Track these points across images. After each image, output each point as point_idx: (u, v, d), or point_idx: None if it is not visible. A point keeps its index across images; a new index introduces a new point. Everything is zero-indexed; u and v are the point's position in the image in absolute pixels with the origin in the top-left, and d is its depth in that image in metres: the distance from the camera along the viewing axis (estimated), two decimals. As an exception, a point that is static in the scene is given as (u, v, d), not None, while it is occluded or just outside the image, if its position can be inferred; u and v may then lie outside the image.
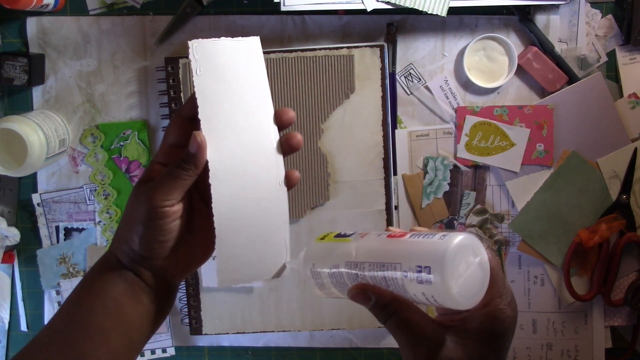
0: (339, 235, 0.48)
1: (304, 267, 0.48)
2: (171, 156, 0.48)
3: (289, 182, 0.52)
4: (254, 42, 0.51)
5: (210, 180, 0.46)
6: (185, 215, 0.48)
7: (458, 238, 0.39)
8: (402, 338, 0.42)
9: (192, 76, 0.47)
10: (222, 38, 0.49)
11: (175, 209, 0.46)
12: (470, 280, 0.40)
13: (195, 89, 0.47)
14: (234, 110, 0.49)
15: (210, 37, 0.47)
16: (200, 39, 0.48)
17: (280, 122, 0.52)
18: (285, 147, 0.51)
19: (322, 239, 0.49)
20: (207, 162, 0.46)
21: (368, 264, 0.43)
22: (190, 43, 0.47)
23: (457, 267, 0.39)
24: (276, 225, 0.51)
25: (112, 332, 0.45)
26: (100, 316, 0.46)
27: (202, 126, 0.46)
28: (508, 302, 0.42)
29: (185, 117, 0.48)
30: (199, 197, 0.50)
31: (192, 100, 0.47)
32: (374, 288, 0.42)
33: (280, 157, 0.52)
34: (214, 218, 0.46)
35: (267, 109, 0.51)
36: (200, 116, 0.46)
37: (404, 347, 0.42)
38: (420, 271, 0.39)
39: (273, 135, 0.51)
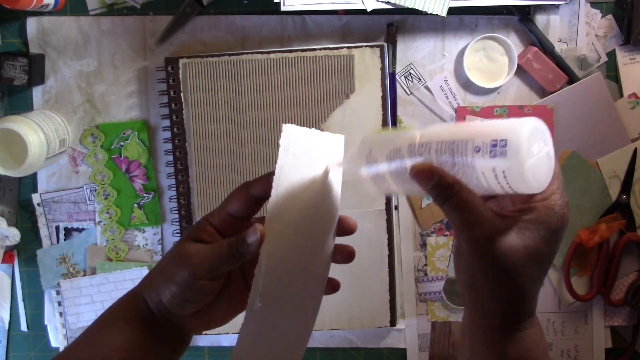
0: (395, 129, 0.46)
1: (358, 154, 0.47)
2: (226, 223, 0.48)
3: (332, 289, 0.52)
4: (339, 139, 0.51)
5: (255, 272, 0.44)
6: (223, 282, 0.48)
7: (535, 120, 0.39)
8: (460, 218, 0.41)
9: (278, 157, 0.45)
10: (313, 130, 0.48)
11: (214, 284, 0.47)
12: (539, 164, 0.39)
13: (277, 171, 0.45)
14: (302, 205, 0.47)
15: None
16: (292, 125, 0.46)
17: (342, 228, 0.51)
18: (339, 258, 0.51)
19: (378, 132, 0.47)
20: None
21: (435, 144, 0.42)
22: (283, 127, 0.46)
23: (531, 146, 0.38)
24: (305, 321, 0.50)
25: None
26: (115, 356, 0.46)
27: (268, 210, 0.45)
28: (566, 200, 0.42)
29: (252, 194, 0.48)
30: (238, 268, 0.50)
31: (265, 178, 0.46)
32: (439, 168, 0.41)
33: (328, 265, 0.51)
34: (247, 305, 0.44)
35: (334, 215, 0.50)
36: (268, 207, 0.44)
37: (460, 226, 0.41)
38: (495, 145, 0.39)
39: (331, 242, 0.50)
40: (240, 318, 0.47)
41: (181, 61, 0.82)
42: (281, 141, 0.45)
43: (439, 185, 0.41)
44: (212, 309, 0.49)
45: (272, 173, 0.45)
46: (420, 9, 0.78)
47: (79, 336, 0.49)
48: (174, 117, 0.83)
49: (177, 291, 0.46)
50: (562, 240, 0.43)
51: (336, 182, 0.50)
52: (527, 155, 0.38)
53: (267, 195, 0.45)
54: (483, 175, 0.40)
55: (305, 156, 0.47)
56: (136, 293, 0.49)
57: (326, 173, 0.49)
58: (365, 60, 0.82)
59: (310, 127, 0.48)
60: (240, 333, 0.44)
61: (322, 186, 0.49)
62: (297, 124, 0.50)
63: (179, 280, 0.46)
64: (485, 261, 0.41)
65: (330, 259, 0.51)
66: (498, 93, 0.84)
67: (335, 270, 0.50)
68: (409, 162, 0.43)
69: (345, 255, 0.51)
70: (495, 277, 0.41)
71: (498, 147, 0.38)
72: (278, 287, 0.46)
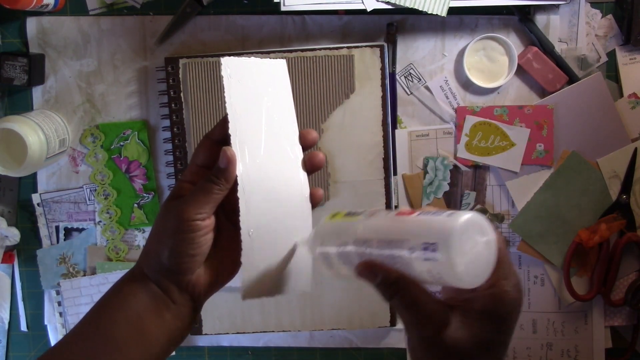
0: (349, 214, 0.47)
1: (312, 245, 0.48)
2: (199, 176, 0.49)
3: (313, 200, 0.53)
4: (281, 64, 0.53)
5: (239, 194, 0.46)
6: (214, 230, 0.48)
7: (466, 216, 0.39)
8: (407, 316, 0.42)
9: (224, 93, 0.48)
10: (252, 57, 0.51)
11: (206, 222, 0.47)
12: (476, 259, 0.39)
13: (227, 105, 0.47)
14: (262, 127, 0.49)
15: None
16: (231, 57, 0.49)
17: (305, 142, 0.53)
18: (308, 166, 0.53)
19: (332, 217, 0.49)
20: (236, 177, 0.47)
21: (376, 241, 0.43)
22: (222, 60, 0.48)
23: (463, 245, 0.38)
24: (301, 233, 0.51)
25: (132, 347, 0.46)
26: (122, 330, 0.46)
27: (231, 141, 0.47)
28: (513, 284, 0.42)
29: (214, 140, 0.49)
30: (224, 215, 0.51)
31: (223, 123, 0.48)
32: (381, 265, 0.42)
33: (304, 175, 0.52)
34: (241, 231, 0.46)
35: (293, 128, 0.53)
36: (230, 131, 0.47)
37: (408, 325, 0.42)
38: (426, 248, 0.39)
39: (298, 153, 0.52)
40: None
41: (181, 61, 0.82)
42: (222, 72, 0.48)
43: (383, 282, 0.42)
44: (214, 264, 0.49)
45: (227, 116, 0.48)
46: (420, 9, 0.78)
47: (82, 318, 0.48)
48: (174, 117, 0.83)
49: (174, 242, 0.46)
50: (515, 323, 0.42)
51: (284, 83, 0.53)
52: (458, 255, 0.38)
53: (226, 136, 0.47)
54: (421, 273, 0.41)
55: (250, 81, 0.50)
56: (134, 269, 0.49)
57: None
58: (365, 60, 0.82)
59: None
60: (242, 268, 0.45)
61: (274, 94, 0.52)
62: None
63: (172, 231, 0.46)
64: (437, 357, 0.41)
65: (303, 169, 0.52)
66: (498, 93, 0.84)
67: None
68: (355, 257, 0.44)
69: (316, 197, 0.53)
70: None
71: (429, 250, 0.39)
72: (265, 208, 0.48)
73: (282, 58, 0.80)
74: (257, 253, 0.47)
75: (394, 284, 0.42)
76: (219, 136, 0.49)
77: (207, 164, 0.49)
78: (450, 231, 0.38)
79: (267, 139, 0.50)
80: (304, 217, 0.52)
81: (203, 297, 0.50)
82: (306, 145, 0.53)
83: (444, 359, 0.41)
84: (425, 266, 0.40)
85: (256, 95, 0.50)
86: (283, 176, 0.50)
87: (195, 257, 0.47)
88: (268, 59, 0.52)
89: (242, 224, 0.46)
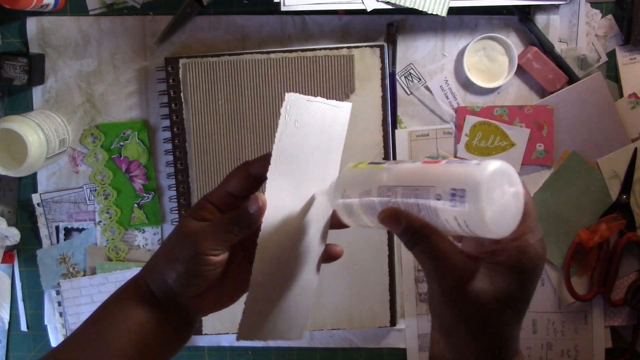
0: (372, 163, 0.46)
1: (334, 192, 0.47)
2: (225, 202, 0.48)
3: (330, 255, 0.52)
4: (346, 108, 0.50)
5: (259, 241, 0.45)
6: (225, 263, 0.48)
7: (496, 164, 0.38)
8: (430, 265, 0.41)
9: (277, 130, 0.45)
10: (318, 98, 0.47)
11: (220, 259, 0.46)
12: (504, 209, 0.38)
13: (275, 145, 0.45)
14: (301, 177, 0.48)
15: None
16: (297, 95, 0.45)
17: (328, 254, 0.52)
18: (325, 257, 0.52)
19: (355, 166, 0.47)
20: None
21: (401, 188, 0.42)
22: (287, 95, 0.45)
23: (492, 193, 0.37)
24: (305, 291, 0.51)
25: (132, 356, 0.46)
26: (123, 338, 0.46)
27: (267, 185, 0.45)
28: (539, 238, 0.41)
29: (251, 173, 0.48)
30: (240, 245, 0.51)
31: (265, 158, 0.46)
32: (406, 213, 0.41)
33: (326, 235, 0.51)
34: (252, 277, 0.45)
35: (332, 179, 0.51)
36: (268, 174, 0.45)
37: (430, 275, 0.41)
38: (454, 195, 0.38)
39: (328, 213, 0.51)
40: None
41: (181, 61, 0.82)
42: (282, 109, 0.45)
43: (407, 230, 0.41)
44: (217, 289, 0.49)
45: (270, 154, 0.45)
46: (420, 9, 0.78)
47: (84, 322, 0.49)
48: (174, 117, 0.83)
49: (184, 269, 0.46)
50: (538, 278, 0.41)
51: (341, 132, 0.50)
52: (487, 203, 0.37)
53: (265, 175, 0.45)
54: (447, 221, 0.40)
55: (307, 125, 0.47)
56: (139, 279, 0.49)
57: (312, 199, 0.49)
58: (365, 60, 0.82)
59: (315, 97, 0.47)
60: (245, 309, 0.45)
61: (326, 144, 0.49)
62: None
63: (184, 258, 0.46)
64: (457, 309, 0.40)
65: (327, 229, 0.51)
66: (498, 93, 0.84)
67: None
68: (378, 205, 0.43)
69: (332, 254, 0.52)
70: (469, 324, 0.40)
71: (457, 196, 0.38)
72: (278, 259, 0.47)
73: (282, 58, 0.81)
74: (262, 299, 0.46)
75: (417, 232, 0.41)
76: (257, 171, 0.47)
77: (237, 193, 0.48)
78: (480, 178, 0.37)
79: (303, 189, 0.48)
80: (314, 272, 0.51)
81: (200, 315, 0.51)
82: (326, 258, 0.53)
83: (465, 310, 0.40)
84: (452, 214, 0.39)
85: (309, 141, 0.47)
86: (305, 230, 0.49)
87: (200, 286, 0.47)
88: (335, 101, 0.49)
89: (253, 270, 0.45)
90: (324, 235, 0.51)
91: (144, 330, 0.47)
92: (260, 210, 0.45)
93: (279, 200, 0.46)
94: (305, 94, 0.46)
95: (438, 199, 0.39)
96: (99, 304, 0.49)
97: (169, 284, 0.47)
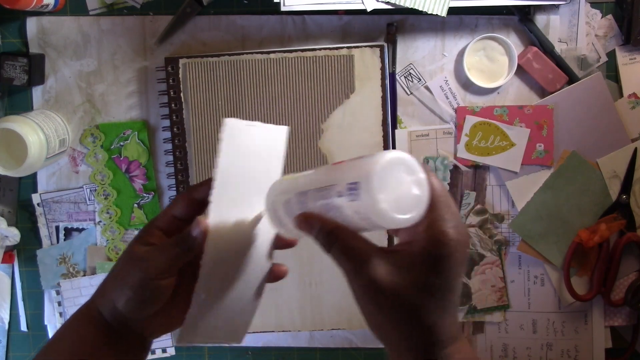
0: (299, 173, 0.48)
1: (265, 203, 0.49)
2: (172, 226, 0.50)
3: (274, 275, 0.53)
4: (282, 131, 0.52)
5: (202, 262, 0.46)
6: (173, 285, 0.49)
7: (390, 155, 0.38)
8: (346, 265, 0.41)
9: (218, 155, 0.46)
10: (256, 123, 0.49)
11: (167, 282, 0.47)
12: (403, 197, 0.39)
13: (216, 170, 0.46)
14: (244, 199, 0.49)
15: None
16: (235, 120, 0.47)
17: (272, 275, 0.53)
18: (271, 277, 0.53)
19: (285, 176, 0.49)
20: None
21: (312, 192, 0.43)
22: (225, 121, 0.46)
23: (385, 182, 0.38)
24: (246, 308, 0.52)
25: None
26: None
27: (210, 209, 0.46)
28: (453, 225, 0.40)
29: (196, 197, 0.49)
30: (189, 265, 0.51)
31: (208, 183, 0.47)
32: (318, 216, 0.42)
33: (272, 253, 0.52)
34: (194, 295, 0.46)
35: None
36: (211, 199, 0.46)
37: (348, 274, 0.42)
38: (351, 189, 0.38)
39: (272, 231, 0.52)
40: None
41: (181, 61, 0.82)
42: (221, 134, 0.46)
43: (321, 233, 0.42)
44: (169, 310, 0.50)
45: (212, 179, 0.47)
46: (420, 9, 0.78)
47: (41, 349, 0.49)
48: (174, 117, 0.83)
49: (132, 294, 0.47)
50: (459, 265, 0.41)
51: (278, 152, 0.52)
52: (380, 192, 0.37)
53: (208, 198, 0.46)
54: (352, 218, 0.40)
55: (246, 148, 0.49)
56: (89, 306, 0.50)
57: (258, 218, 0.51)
58: (365, 60, 0.82)
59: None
60: (186, 318, 0.46)
61: (265, 165, 0.51)
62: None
63: (132, 283, 0.47)
64: (379, 304, 0.40)
65: (271, 247, 0.52)
66: (498, 93, 0.84)
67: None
68: (297, 212, 0.44)
69: (277, 275, 0.53)
70: (394, 317, 0.40)
71: (353, 190, 0.38)
72: (221, 277, 0.48)
73: (282, 58, 0.81)
74: (204, 315, 0.47)
75: (331, 234, 0.41)
76: (200, 196, 0.49)
77: (183, 217, 0.49)
78: (371, 169, 0.38)
79: (247, 209, 0.49)
80: (255, 287, 0.52)
81: (153, 337, 0.51)
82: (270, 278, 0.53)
83: (386, 304, 0.40)
84: (353, 208, 0.39)
85: (250, 163, 0.49)
86: (247, 253, 0.50)
87: (151, 309, 0.48)
88: (272, 125, 0.51)
89: (196, 289, 0.46)
90: (270, 253, 0.52)
91: (94, 356, 0.48)
92: (203, 233, 0.46)
93: (222, 221, 0.47)
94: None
95: (340, 196, 0.40)
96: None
97: (118, 309, 0.47)
